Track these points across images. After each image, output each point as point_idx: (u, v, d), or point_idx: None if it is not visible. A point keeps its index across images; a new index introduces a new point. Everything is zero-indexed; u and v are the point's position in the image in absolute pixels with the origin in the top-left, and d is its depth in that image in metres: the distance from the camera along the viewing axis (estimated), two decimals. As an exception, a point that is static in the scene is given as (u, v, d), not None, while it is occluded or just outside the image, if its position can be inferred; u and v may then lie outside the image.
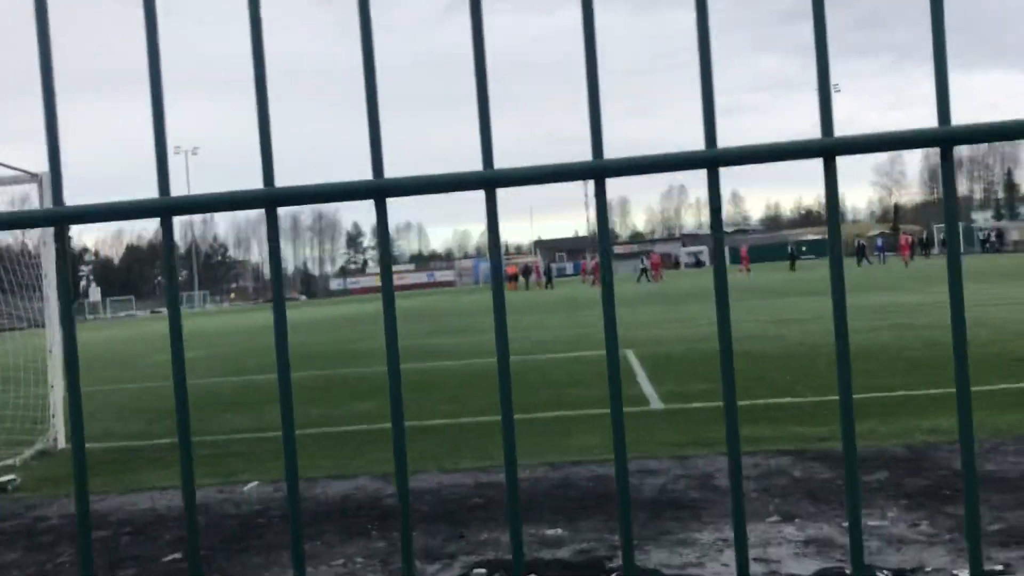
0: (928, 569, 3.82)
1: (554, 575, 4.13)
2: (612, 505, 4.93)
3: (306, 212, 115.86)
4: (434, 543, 4.65)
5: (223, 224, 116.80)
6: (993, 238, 62.17)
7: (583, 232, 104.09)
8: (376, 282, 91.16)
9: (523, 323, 21.18)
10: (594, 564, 4.21)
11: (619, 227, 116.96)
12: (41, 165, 8.39)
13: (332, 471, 6.50)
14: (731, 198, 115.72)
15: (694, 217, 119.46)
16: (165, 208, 1.53)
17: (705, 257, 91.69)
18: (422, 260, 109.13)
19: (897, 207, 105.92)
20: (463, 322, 24.02)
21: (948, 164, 1.46)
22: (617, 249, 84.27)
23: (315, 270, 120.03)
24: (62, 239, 1.60)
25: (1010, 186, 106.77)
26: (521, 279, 57.54)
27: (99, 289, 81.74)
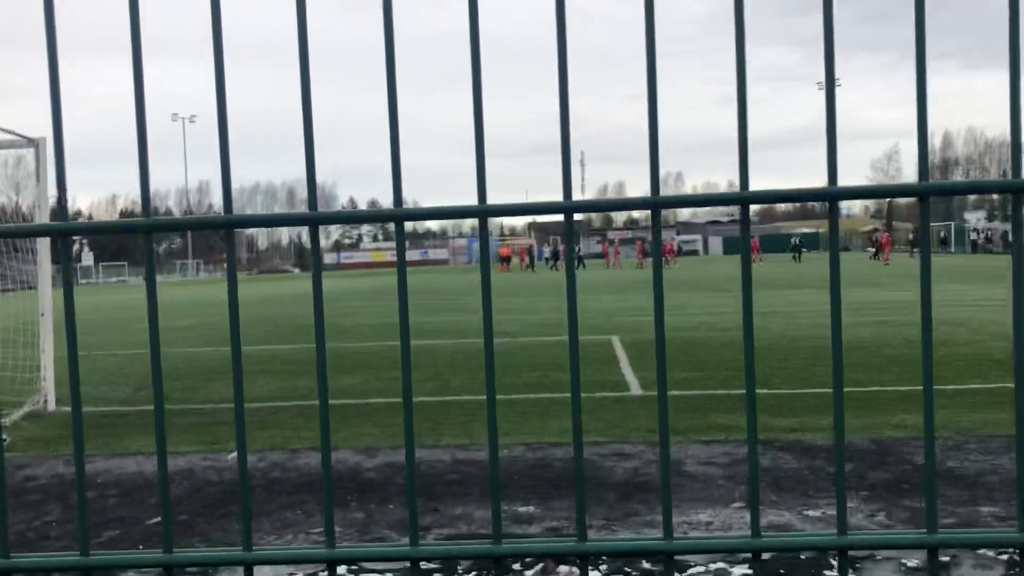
0: (878, 558, 4.00)
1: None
2: (586, 485, 5.10)
3: (301, 185, 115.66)
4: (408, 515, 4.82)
5: (217, 195, 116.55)
6: (984, 239, 62.40)
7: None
8: (371, 258, 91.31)
9: (513, 305, 21.35)
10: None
11: (614, 212, 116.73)
12: (37, 131, 8.45)
13: (315, 443, 6.65)
14: (727, 187, 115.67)
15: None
16: (148, 226, 1.67)
17: (698, 246, 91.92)
18: (416, 237, 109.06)
19: (891, 203, 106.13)
20: (453, 302, 24.18)
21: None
22: (610, 234, 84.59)
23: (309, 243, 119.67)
24: (67, 249, 1.72)
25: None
26: (516, 260, 57.66)
27: (92, 254, 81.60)
